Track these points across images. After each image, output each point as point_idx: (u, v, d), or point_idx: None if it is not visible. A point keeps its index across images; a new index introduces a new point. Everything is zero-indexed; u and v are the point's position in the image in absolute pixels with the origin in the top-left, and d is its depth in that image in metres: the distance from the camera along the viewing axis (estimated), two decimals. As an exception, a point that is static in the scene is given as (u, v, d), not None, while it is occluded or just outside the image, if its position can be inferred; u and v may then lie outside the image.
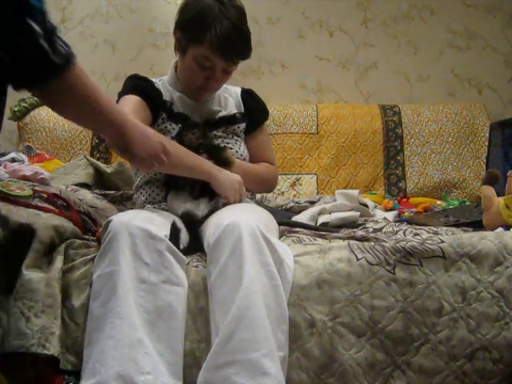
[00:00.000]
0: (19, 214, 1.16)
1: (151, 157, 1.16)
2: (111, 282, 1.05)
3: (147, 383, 0.98)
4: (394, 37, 2.71)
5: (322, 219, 1.62)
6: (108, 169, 2.04)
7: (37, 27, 0.85)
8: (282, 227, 1.46)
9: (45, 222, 1.17)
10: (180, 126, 1.47)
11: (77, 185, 1.78)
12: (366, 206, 1.81)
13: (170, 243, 1.12)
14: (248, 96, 1.65)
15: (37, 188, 1.32)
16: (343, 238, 1.30)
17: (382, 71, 2.70)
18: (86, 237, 1.29)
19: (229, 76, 1.49)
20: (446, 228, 1.46)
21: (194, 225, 1.28)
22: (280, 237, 1.37)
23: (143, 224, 1.11)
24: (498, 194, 1.42)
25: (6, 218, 1.12)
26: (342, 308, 1.11)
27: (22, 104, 2.35)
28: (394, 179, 2.40)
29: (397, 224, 1.56)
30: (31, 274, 1.09)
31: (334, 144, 2.42)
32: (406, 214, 1.92)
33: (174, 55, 1.55)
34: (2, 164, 1.62)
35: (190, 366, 1.07)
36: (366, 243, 1.19)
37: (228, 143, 1.53)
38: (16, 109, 2.34)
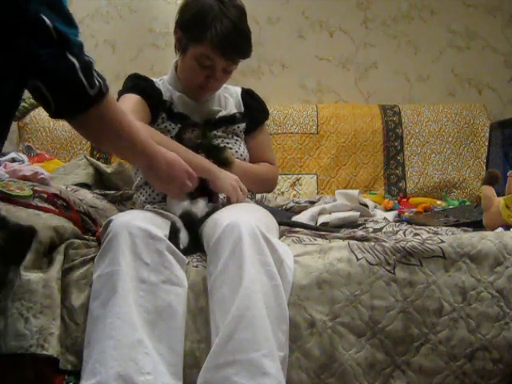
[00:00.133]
0: (19, 215, 1.16)
1: (176, 187, 1.21)
2: (111, 282, 1.05)
3: (147, 383, 0.98)
4: (394, 37, 2.71)
5: (321, 219, 1.62)
6: (108, 169, 2.04)
7: (75, 61, 0.90)
8: (282, 227, 1.46)
9: (45, 222, 1.17)
10: (179, 125, 1.47)
11: (77, 185, 1.78)
12: (366, 206, 1.80)
13: (170, 243, 1.12)
14: (248, 96, 1.65)
15: (37, 188, 1.32)
16: (343, 238, 1.30)
17: (382, 71, 2.71)
18: (86, 237, 1.29)
19: (229, 75, 1.49)
20: (446, 228, 1.46)
21: (194, 225, 1.28)
22: (280, 237, 1.37)
23: (143, 224, 1.11)
24: (498, 194, 1.42)
25: (5, 218, 1.12)
26: (342, 308, 1.11)
27: (22, 104, 2.34)
28: (394, 179, 2.40)
29: (397, 224, 1.56)
30: (30, 275, 1.09)
31: (334, 144, 2.42)
32: (406, 213, 1.92)
33: (174, 55, 1.55)
34: (2, 164, 1.62)
35: (190, 366, 1.07)
36: (365, 243, 1.19)
37: (228, 143, 1.53)
38: (16, 109, 2.34)
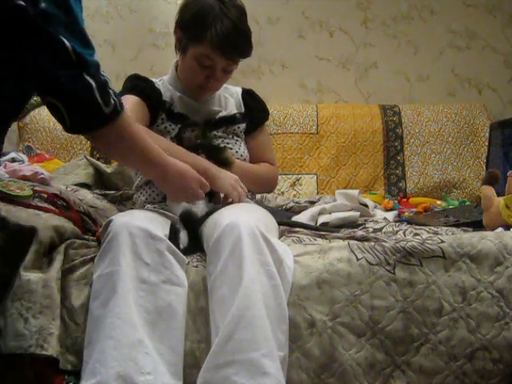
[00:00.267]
0: (19, 215, 1.16)
1: (189, 196, 1.24)
2: (111, 282, 1.05)
3: (147, 383, 0.98)
4: (394, 37, 2.71)
5: (321, 219, 1.62)
6: (108, 169, 2.04)
7: (92, 81, 0.93)
8: (281, 227, 1.46)
9: (45, 222, 1.17)
10: (179, 126, 1.47)
11: (77, 185, 1.78)
12: (366, 205, 1.80)
13: (170, 243, 1.12)
14: (248, 96, 1.65)
15: (37, 188, 1.32)
16: (343, 238, 1.30)
17: (382, 71, 2.71)
18: (86, 237, 1.29)
19: (229, 75, 1.49)
20: (446, 228, 1.46)
21: (194, 225, 1.28)
22: (280, 237, 1.37)
23: (143, 224, 1.11)
24: (498, 194, 1.42)
25: (5, 218, 1.12)
26: (342, 308, 1.11)
27: (22, 104, 2.34)
28: (394, 179, 2.40)
29: (397, 224, 1.56)
30: (30, 275, 1.08)
31: (334, 144, 2.42)
32: (406, 213, 1.92)
33: (174, 55, 1.55)
34: (2, 164, 1.62)
35: (190, 366, 1.07)
36: (366, 243, 1.19)
37: (228, 143, 1.53)
38: (16, 109, 2.34)
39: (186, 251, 1.20)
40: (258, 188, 1.61)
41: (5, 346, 1.04)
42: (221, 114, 1.55)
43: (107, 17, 2.67)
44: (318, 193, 2.35)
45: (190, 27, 1.42)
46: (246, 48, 1.43)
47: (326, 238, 1.34)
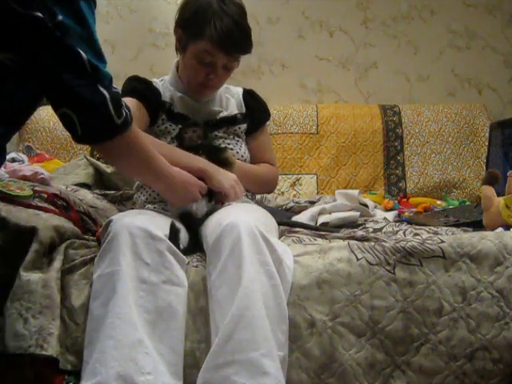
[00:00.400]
0: (19, 215, 1.16)
1: (190, 200, 1.28)
2: (111, 282, 1.05)
3: (148, 383, 0.98)
4: (394, 37, 2.71)
5: (321, 219, 1.62)
6: (108, 169, 2.04)
7: (106, 93, 0.96)
8: (281, 227, 1.46)
9: (45, 222, 1.17)
10: (180, 126, 1.47)
11: (77, 185, 1.78)
12: (366, 205, 1.80)
13: (171, 243, 1.12)
14: (249, 96, 1.64)
15: (37, 188, 1.32)
16: (343, 238, 1.30)
17: (382, 71, 2.71)
18: (86, 237, 1.29)
19: (229, 73, 1.49)
20: (446, 228, 1.46)
21: (194, 225, 1.28)
22: (280, 237, 1.37)
23: (143, 224, 1.11)
24: (498, 194, 1.42)
25: (5, 219, 1.12)
26: (342, 308, 1.11)
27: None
28: (394, 179, 2.40)
29: (397, 224, 1.56)
30: (29, 275, 1.09)
31: (334, 144, 2.42)
32: (406, 213, 1.92)
33: (174, 55, 1.55)
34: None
35: (190, 366, 1.07)
36: (366, 243, 1.19)
37: (229, 144, 1.53)
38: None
39: (186, 251, 1.20)
40: (259, 188, 1.61)
41: (4, 346, 1.04)
42: (222, 115, 1.55)
43: (107, 17, 2.67)
44: (318, 193, 2.35)
45: (189, 25, 1.42)
46: (245, 43, 1.42)
47: (326, 238, 1.34)
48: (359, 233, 1.36)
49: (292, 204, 1.99)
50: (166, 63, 1.66)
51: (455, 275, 1.13)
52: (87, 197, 1.60)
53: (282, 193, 2.34)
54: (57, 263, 1.14)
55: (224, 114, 1.55)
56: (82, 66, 0.92)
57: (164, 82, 1.57)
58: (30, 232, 1.12)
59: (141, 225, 1.10)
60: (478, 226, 1.46)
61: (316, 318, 1.10)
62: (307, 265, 1.15)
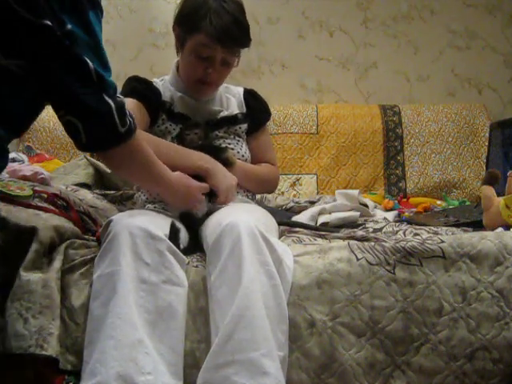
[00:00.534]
0: (19, 215, 1.16)
1: (191, 203, 1.29)
2: (111, 282, 1.05)
3: (148, 383, 0.98)
4: (394, 37, 2.71)
5: (321, 219, 1.62)
6: (108, 169, 2.04)
7: (112, 102, 0.97)
8: (281, 227, 1.46)
9: (45, 222, 1.17)
10: (180, 126, 1.47)
11: (77, 185, 1.78)
12: (366, 206, 1.80)
13: (171, 243, 1.12)
14: (250, 96, 1.64)
15: (37, 188, 1.32)
16: (343, 238, 1.30)
17: (382, 71, 2.71)
18: (86, 237, 1.29)
19: (228, 69, 1.48)
20: (446, 228, 1.46)
21: (194, 224, 1.28)
22: (280, 237, 1.37)
23: (144, 224, 1.11)
24: (498, 194, 1.42)
25: (5, 219, 1.12)
26: (342, 308, 1.11)
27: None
28: (394, 179, 2.40)
29: (397, 224, 1.56)
30: (29, 275, 1.08)
31: (334, 144, 2.42)
32: (406, 213, 1.92)
33: (174, 55, 1.55)
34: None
35: (190, 366, 1.07)
36: (366, 243, 1.19)
37: (229, 144, 1.52)
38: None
39: (186, 251, 1.20)
40: (259, 188, 1.61)
41: (4, 346, 1.04)
42: (222, 114, 1.54)
43: (107, 17, 2.67)
44: (318, 193, 2.35)
45: (186, 20, 1.42)
46: (242, 36, 1.42)
47: (326, 238, 1.34)
48: (359, 233, 1.36)
49: (292, 204, 1.99)
50: (166, 63, 1.66)
51: (455, 275, 1.13)
52: (87, 197, 1.60)
53: (282, 193, 2.34)
54: (57, 263, 1.14)
55: (225, 113, 1.55)
56: (88, 75, 0.93)
57: (164, 82, 1.57)
58: (30, 232, 1.12)
59: (141, 225, 1.10)
60: (478, 226, 1.46)
61: (316, 318, 1.10)
62: (307, 265, 1.15)
